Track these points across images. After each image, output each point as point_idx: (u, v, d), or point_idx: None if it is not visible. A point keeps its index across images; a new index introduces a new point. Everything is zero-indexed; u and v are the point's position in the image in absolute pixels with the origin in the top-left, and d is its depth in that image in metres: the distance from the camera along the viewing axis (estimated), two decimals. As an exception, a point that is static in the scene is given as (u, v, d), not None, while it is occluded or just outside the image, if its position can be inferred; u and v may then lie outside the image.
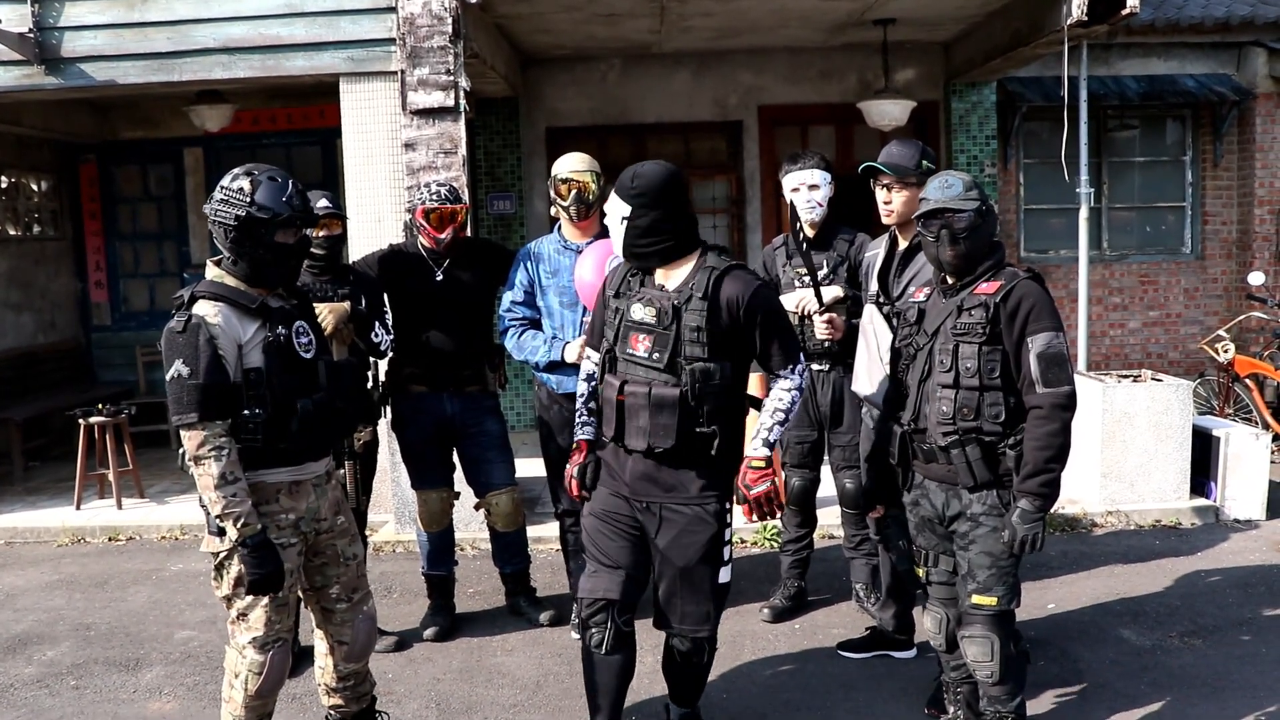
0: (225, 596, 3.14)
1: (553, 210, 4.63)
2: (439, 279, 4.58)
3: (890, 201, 3.94)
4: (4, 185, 9.00)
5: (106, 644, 4.84)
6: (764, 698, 4.03)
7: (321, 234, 4.40)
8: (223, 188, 3.05)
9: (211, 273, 3.12)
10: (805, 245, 4.24)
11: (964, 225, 3.13)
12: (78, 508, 7.04)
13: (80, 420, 7.04)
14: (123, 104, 9.08)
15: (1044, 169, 9.02)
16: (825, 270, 4.41)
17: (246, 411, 3.00)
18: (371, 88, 6.24)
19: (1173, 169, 9.44)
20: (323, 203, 4.40)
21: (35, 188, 9.42)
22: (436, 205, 4.49)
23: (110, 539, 6.64)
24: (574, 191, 4.45)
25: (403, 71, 6.07)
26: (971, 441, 3.13)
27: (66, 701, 4.24)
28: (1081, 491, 6.28)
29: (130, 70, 6.36)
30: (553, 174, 4.56)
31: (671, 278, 3.22)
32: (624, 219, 3.20)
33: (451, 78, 6.05)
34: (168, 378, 2.96)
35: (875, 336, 3.76)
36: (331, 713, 3.52)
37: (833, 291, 4.35)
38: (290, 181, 3.12)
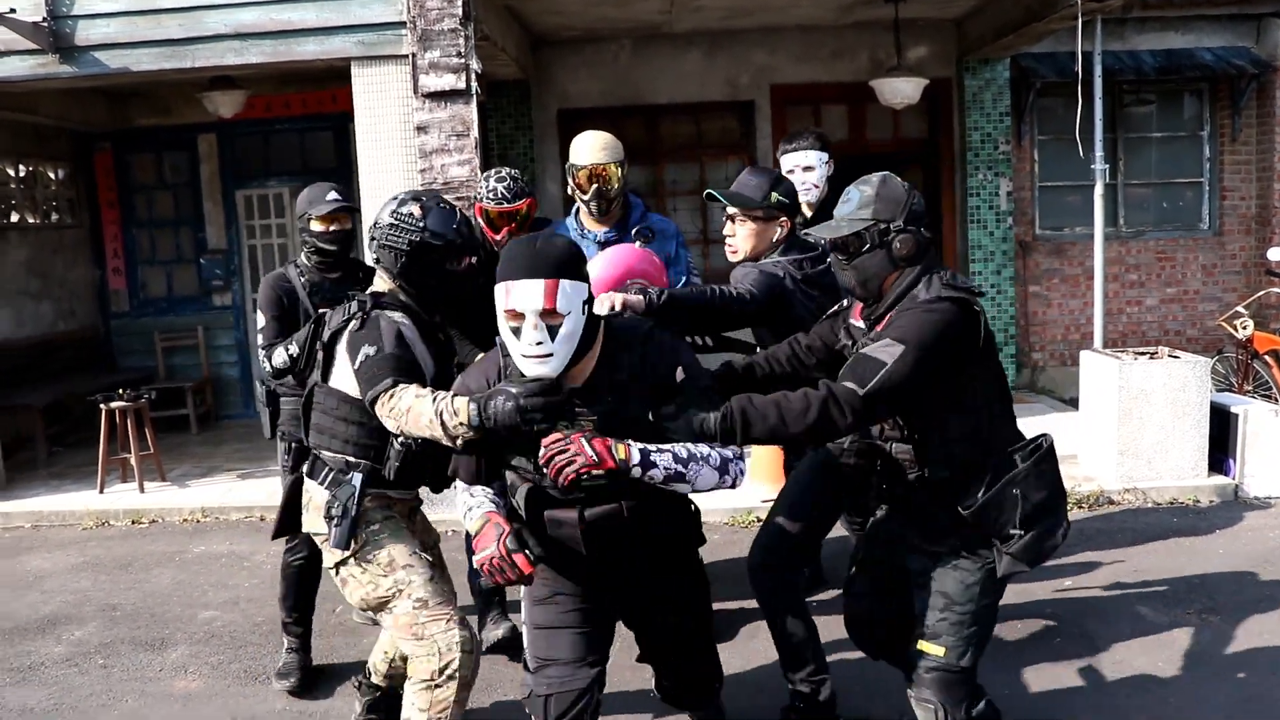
0: (381, 598, 3.02)
1: (569, 189, 4.25)
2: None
3: (734, 235, 3.58)
4: (22, 174, 9.06)
5: (132, 624, 4.91)
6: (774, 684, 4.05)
7: (332, 228, 4.10)
8: (393, 213, 3.03)
9: (386, 286, 3.13)
10: (804, 225, 4.14)
11: (849, 250, 2.76)
12: (101, 491, 7.11)
13: (102, 405, 7.11)
14: (137, 92, 9.11)
15: (1059, 145, 8.95)
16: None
17: (404, 440, 2.98)
18: (383, 71, 6.25)
19: (1190, 144, 9.37)
20: (332, 195, 4.13)
21: (52, 176, 9.48)
22: (493, 205, 4.06)
23: (133, 522, 6.72)
24: (595, 185, 4.05)
25: (414, 55, 6.08)
26: (928, 487, 2.77)
27: (95, 680, 4.31)
28: (1098, 469, 6.27)
29: (144, 57, 6.39)
30: (570, 160, 4.14)
31: (580, 373, 2.60)
32: (587, 302, 2.55)
33: (462, 60, 6.05)
34: (355, 368, 2.94)
35: None
36: (383, 683, 3.56)
37: None
38: (456, 209, 3.15)
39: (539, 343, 2.44)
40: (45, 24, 6.21)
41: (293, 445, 4.13)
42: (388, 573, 3.00)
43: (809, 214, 4.38)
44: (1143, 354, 6.34)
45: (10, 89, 6.87)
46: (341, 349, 3.03)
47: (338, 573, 3.08)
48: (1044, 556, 2.75)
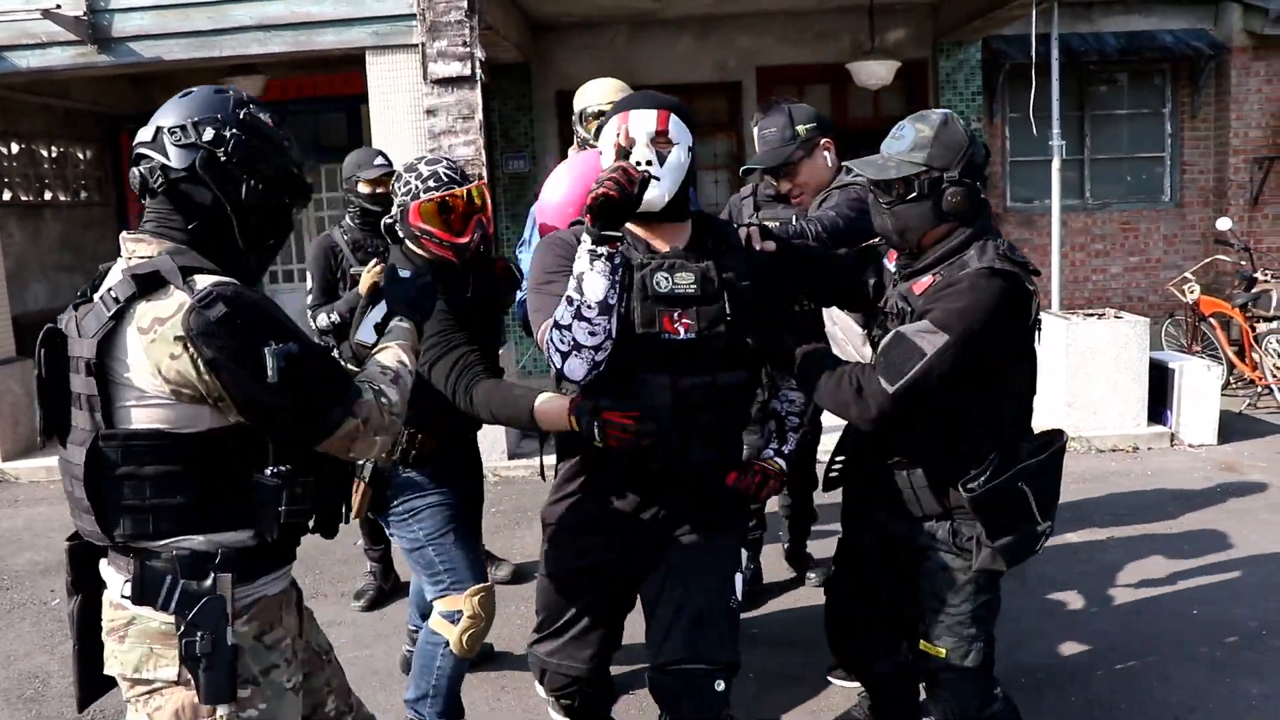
0: None
1: (576, 137, 3.77)
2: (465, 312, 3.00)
3: (793, 189, 3.38)
4: (54, 155, 9.65)
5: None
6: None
7: (378, 190, 4.41)
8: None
9: (159, 249, 1.91)
10: (774, 198, 3.99)
11: (892, 194, 2.47)
12: (135, 449, 7.68)
13: (135, 369, 7.70)
14: (160, 76, 9.66)
15: (1028, 123, 9.48)
16: (795, 224, 3.68)
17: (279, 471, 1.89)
18: (395, 60, 6.81)
19: (1153, 121, 9.91)
20: (379, 160, 4.49)
21: (81, 156, 10.07)
22: (440, 192, 2.93)
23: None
24: None
25: (423, 44, 6.63)
26: (916, 466, 2.55)
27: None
28: (1048, 421, 6.83)
29: (174, 48, 6.97)
30: (579, 107, 3.73)
31: (670, 239, 2.50)
32: (690, 150, 2.47)
33: (468, 49, 6.61)
34: (271, 382, 1.79)
35: (842, 336, 3.33)
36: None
37: None
38: None
39: (648, 162, 2.38)
40: (85, 18, 6.78)
41: None
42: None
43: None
44: (1091, 314, 6.92)
45: (51, 77, 7.44)
46: (154, 363, 1.79)
47: None
48: (1022, 559, 2.50)
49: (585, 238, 2.26)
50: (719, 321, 2.41)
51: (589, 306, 2.25)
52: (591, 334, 2.28)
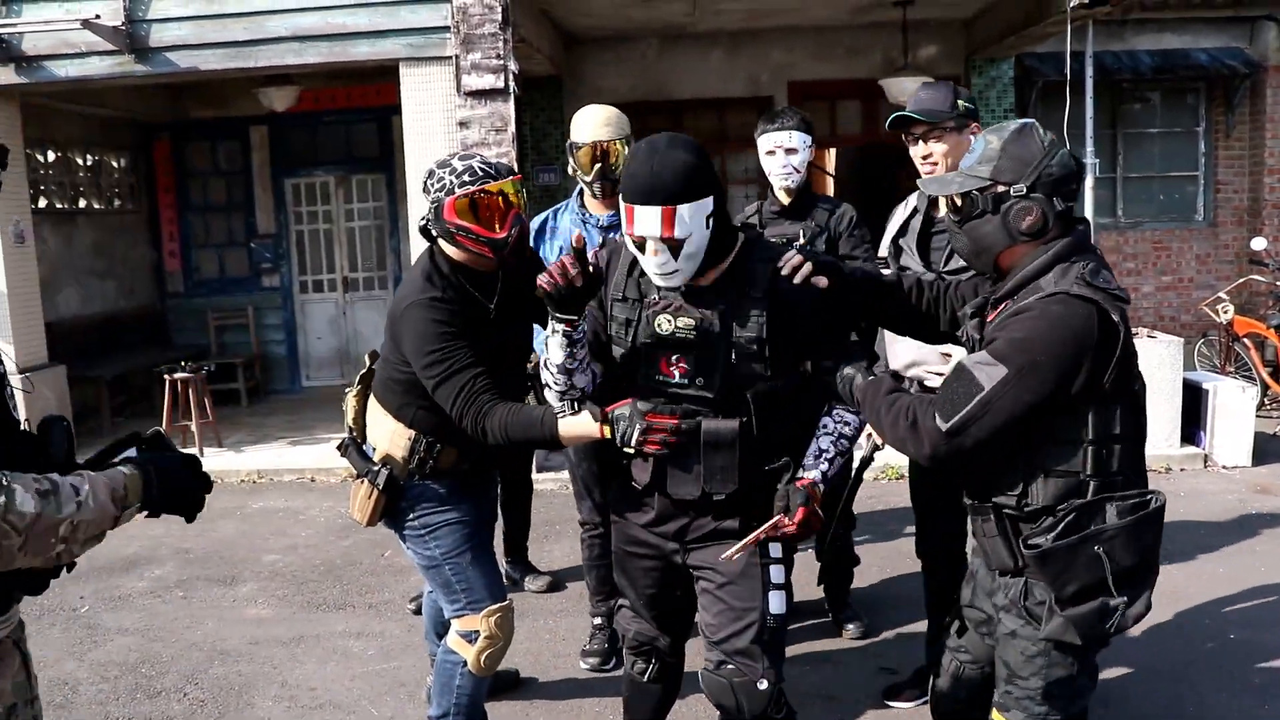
0: None
1: (570, 168, 3.85)
2: (493, 317, 2.92)
3: (930, 155, 3.24)
4: (89, 163, 9.76)
5: (204, 565, 5.55)
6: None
7: None
8: None
9: None
10: (779, 214, 4.01)
11: (961, 208, 2.28)
12: (164, 455, 7.72)
13: (165, 376, 7.78)
14: (195, 86, 9.78)
15: (1061, 141, 9.44)
16: (802, 241, 3.91)
17: None
18: (429, 71, 6.85)
19: (1186, 140, 9.85)
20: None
21: (115, 165, 10.18)
22: (475, 186, 2.78)
23: (195, 482, 7.36)
24: (598, 165, 3.69)
25: (457, 56, 6.68)
26: (988, 513, 2.30)
27: (177, 608, 4.95)
28: (1080, 440, 6.79)
29: (211, 58, 7.04)
30: (570, 138, 3.77)
31: (696, 277, 2.44)
32: (711, 212, 2.36)
33: (501, 62, 6.64)
34: None
35: (920, 355, 3.29)
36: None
37: None
38: None
39: (663, 264, 2.35)
40: (124, 28, 6.86)
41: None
42: None
43: (786, 200, 4.01)
44: (1123, 335, 6.84)
45: (89, 86, 7.53)
46: None
47: None
48: (1105, 635, 2.17)
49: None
50: (712, 370, 2.40)
51: (546, 365, 2.47)
52: (554, 383, 2.48)
